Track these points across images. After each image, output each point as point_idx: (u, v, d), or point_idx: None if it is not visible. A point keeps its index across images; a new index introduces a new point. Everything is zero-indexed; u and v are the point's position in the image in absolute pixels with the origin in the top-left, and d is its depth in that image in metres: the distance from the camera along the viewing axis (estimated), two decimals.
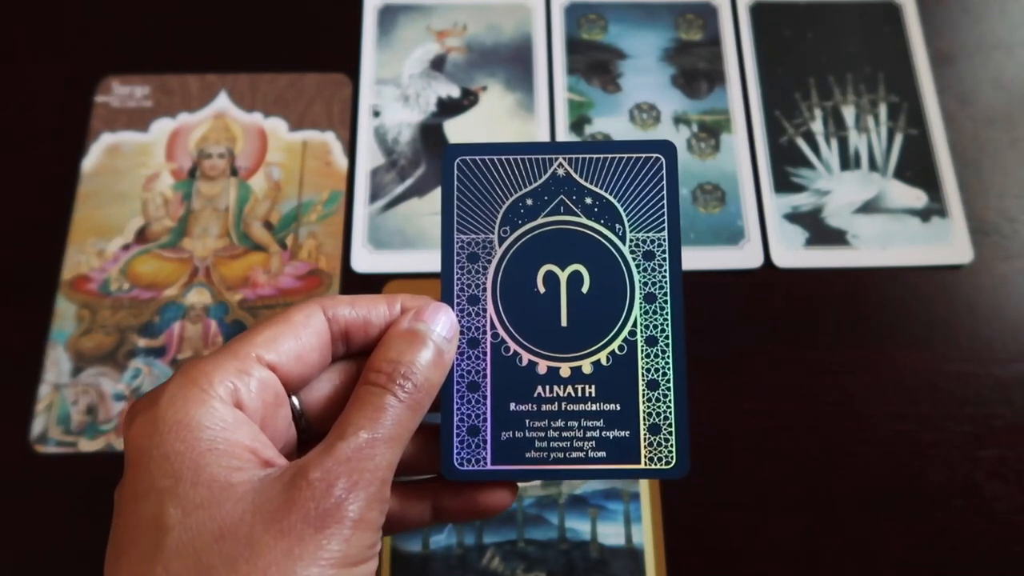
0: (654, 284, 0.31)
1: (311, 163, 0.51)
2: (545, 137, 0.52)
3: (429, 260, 0.48)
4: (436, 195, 0.50)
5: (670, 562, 0.42)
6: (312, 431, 0.30)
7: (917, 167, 0.51)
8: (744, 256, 0.49)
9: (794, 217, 0.50)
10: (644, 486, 0.43)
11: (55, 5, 0.55)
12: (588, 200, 0.31)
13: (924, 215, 0.50)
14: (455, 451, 0.30)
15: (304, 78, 0.53)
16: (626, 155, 0.31)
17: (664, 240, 0.31)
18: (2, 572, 0.42)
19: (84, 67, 0.53)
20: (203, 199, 0.50)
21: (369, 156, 0.51)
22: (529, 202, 0.31)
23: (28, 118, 0.52)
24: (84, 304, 0.47)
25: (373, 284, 0.48)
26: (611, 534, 0.42)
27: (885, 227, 0.49)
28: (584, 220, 0.31)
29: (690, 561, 0.42)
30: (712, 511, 0.43)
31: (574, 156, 0.31)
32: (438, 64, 0.54)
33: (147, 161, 0.51)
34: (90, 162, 0.51)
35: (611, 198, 0.31)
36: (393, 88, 0.53)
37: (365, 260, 0.48)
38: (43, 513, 0.43)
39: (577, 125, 0.52)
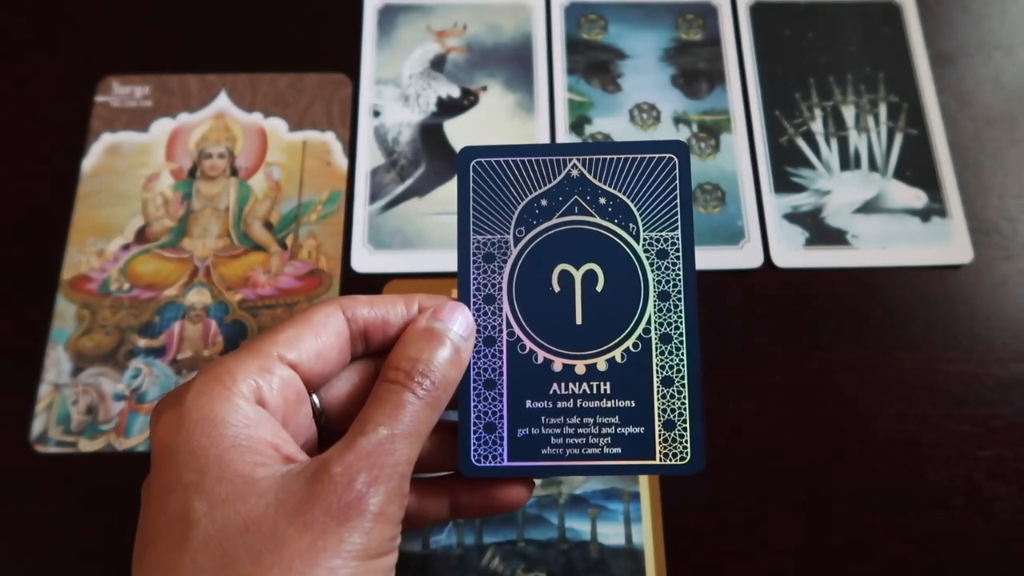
0: (668, 282, 0.31)
1: (311, 163, 0.51)
2: (545, 137, 0.52)
3: (429, 260, 0.48)
4: (436, 195, 0.50)
5: (670, 562, 0.42)
6: (332, 428, 0.30)
7: (917, 167, 0.51)
8: (744, 256, 0.49)
9: (794, 217, 0.50)
10: (644, 486, 0.43)
11: (55, 5, 0.55)
12: (602, 200, 0.31)
13: (924, 215, 0.50)
14: (472, 448, 0.31)
15: (304, 78, 0.53)
16: (639, 155, 0.32)
17: (677, 239, 0.31)
18: (2, 572, 0.42)
19: (84, 67, 0.53)
20: (203, 199, 0.50)
21: (369, 156, 0.51)
22: (544, 203, 0.31)
23: (28, 118, 0.52)
24: (84, 304, 0.47)
25: (373, 284, 0.48)
26: (611, 534, 0.42)
27: (885, 227, 0.49)
28: (598, 220, 0.31)
29: (690, 561, 0.42)
30: (712, 511, 0.43)
31: (588, 157, 0.32)
32: (438, 64, 0.54)
33: (147, 161, 0.51)
34: (90, 162, 0.51)
35: (625, 198, 0.31)
36: (393, 88, 0.53)
37: (365, 260, 0.48)
38: (43, 513, 0.43)
39: (577, 125, 0.52)
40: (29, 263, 0.48)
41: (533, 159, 0.32)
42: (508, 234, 0.31)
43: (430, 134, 0.52)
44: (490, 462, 0.30)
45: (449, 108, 0.53)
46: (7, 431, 0.44)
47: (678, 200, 0.31)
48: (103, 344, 0.46)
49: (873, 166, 0.51)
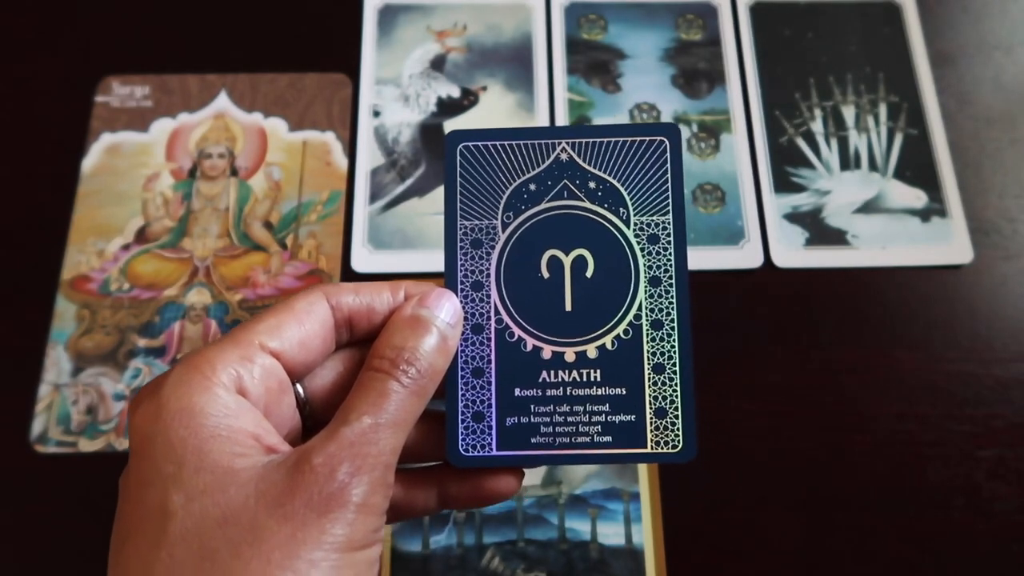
0: (659, 267, 0.30)
1: (311, 163, 0.51)
2: None
3: (429, 260, 0.48)
4: (436, 195, 0.50)
5: (670, 562, 0.42)
6: (316, 418, 0.30)
7: (917, 167, 0.51)
8: (744, 256, 0.49)
9: (794, 217, 0.50)
10: (644, 486, 0.43)
11: (55, 5, 0.55)
12: (592, 184, 0.31)
13: (924, 215, 0.50)
14: (460, 437, 0.30)
15: (304, 78, 0.53)
16: (630, 138, 0.31)
17: (669, 223, 0.31)
18: (2, 572, 0.42)
19: (84, 67, 0.53)
20: (203, 199, 0.50)
21: (369, 156, 0.51)
22: (532, 187, 0.31)
23: (28, 118, 0.52)
24: (84, 304, 0.47)
25: None
26: (611, 534, 0.42)
27: (885, 227, 0.49)
28: (588, 204, 0.31)
29: (690, 561, 0.42)
30: (712, 511, 0.43)
31: (577, 140, 0.31)
32: (438, 64, 0.54)
33: (147, 161, 0.51)
34: (90, 162, 0.51)
35: (615, 182, 0.31)
36: (393, 88, 0.53)
37: (365, 260, 0.48)
38: (43, 513, 0.43)
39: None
40: (29, 263, 0.48)
41: (521, 143, 0.31)
42: (496, 219, 0.31)
43: (430, 134, 0.52)
44: (479, 452, 0.30)
45: (449, 108, 0.53)
46: (7, 431, 0.44)
47: (669, 184, 0.31)
48: (103, 344, 0.46)
49: (873, 166, 0.51)
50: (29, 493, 0.44)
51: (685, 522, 0.43)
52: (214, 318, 0.47)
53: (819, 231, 0.49)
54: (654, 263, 0.30)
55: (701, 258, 0.48)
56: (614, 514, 0.43)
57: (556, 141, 0.31)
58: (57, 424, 0.45)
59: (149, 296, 0.48)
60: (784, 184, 0.51)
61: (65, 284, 0.48)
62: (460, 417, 0.30)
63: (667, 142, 0.31)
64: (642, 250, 0.30)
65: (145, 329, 0.47)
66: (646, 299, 0.30)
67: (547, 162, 0.31)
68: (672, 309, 0.30)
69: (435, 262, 0.48)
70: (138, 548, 0.25)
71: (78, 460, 0.44)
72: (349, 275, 0.48)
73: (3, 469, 0.44)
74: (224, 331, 0.47)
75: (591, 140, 0.31)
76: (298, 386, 0.29)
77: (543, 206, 0.31)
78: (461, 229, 0.31)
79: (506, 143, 0.31)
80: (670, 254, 0.30)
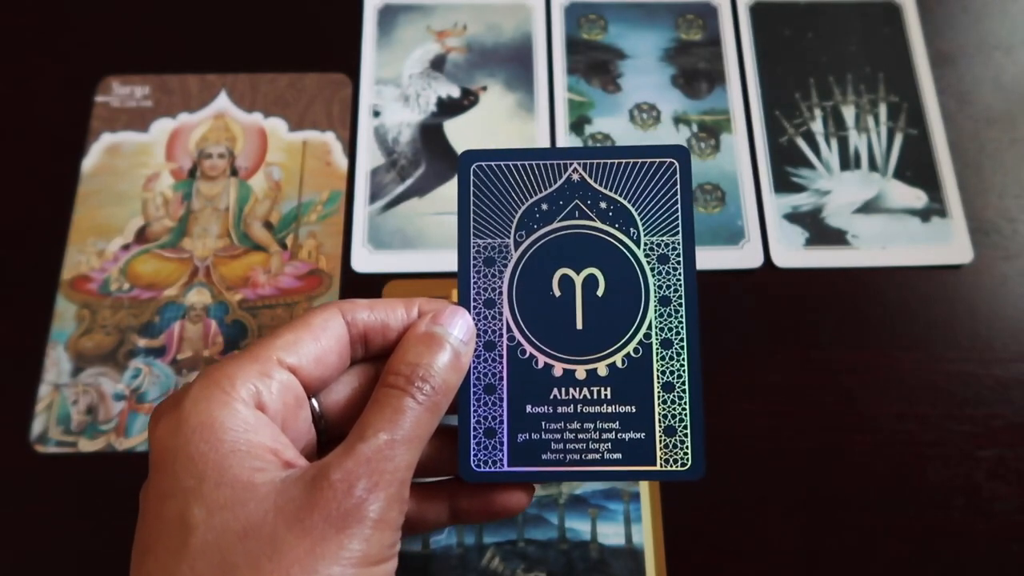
0: (668, 287, 0.31)
1: (311, 163, 0.51)
2: (545, 137, 0.52)
3: (429, 260, 0.48)
4: (436, 195, 0.50)
5: (670, 562, 0.42)
6: (332, 433, 0.30)
7: (917, 167, 0.51)
8: (744, 256, 0.49)
9: (794, 217, 0.50)
10: (644, 486, 0.43)
11: (55, 5, 0.55)
12: (603, 204, 0.31)
13: (924, 215, 0.50)
14: (472, 453, 0.30)
15: (304, 78, 0.53)
16: (640, 160, 0.31)
17: (678, 244, 0.31)
18: (2, 572, 0.42)
19: (84, 67, 0.53)
20: (203, 199, 0.50)
21: (369, 156, 0.51)
22: (544, 207, 0.31)
23: (28, 118, 0.52)
24: (84, 304, 0.47)
25: (373, 284, 0.48)
26: (611, 534, 0.42)
27: (885, 227, 0.49)
28: (599, 224, 0.31)
29: (690, 561, 0.42)
30: (712, 511, 0.43)
31: (589, 161, 0.31)
32: (438, 64, 0.54)
33: (147, 161, 0.51)
34: (90, 162, 0.51)
35: (625, 202, 0.31)
36: (393, 88, 0.53)
37: (365, 260, 0.48)
38: (43, 513, 0.43)
39: (577, 125, 0.52)
40: (29, 263, 0.48)
41: (534, 163, 0.31)
42: (509, 238, 0.31)
43: (430, 134, 0.52)
44: (490, 467, 0.30)
45: (449, 108, 0.53)
46: (7, 431, 0.44)
47: (679, 205, 0.31)
48: (103, 344, 0.46)
49: (873, 166, 0.51)
50: (29, 493, 0.44)
51: (685, 522, 0.43)
52: (214, 318, 0.47)
53: (819, 231, 0.49)
54: (664, 283, 0.31)
55: (701, 258, 0.48)
56: (614, 514, 0.43)
57: (568, 162, 0.31)
58: (57, 424, 0.45)
59: (149, 296, 0.48)
60: (784, 184, 0.51)
61: (65, 284, 0.48)
62: (472, 433, 0.31)
63: (676, 164, 0.31)
64: (652, 270, 0.31)
65: (145, 329, 0.47)
66: (656, 318, 0.31)
67: (559, 182, 0.31)
68: (681, 328, 0.31)
69: (435, 262, 0.48)
70: (159, 561, 0.25)
71: (78, 460, 0.44)
72: (349, 275, 0.48)
73: (3, 469, 0.44)
74: (224, 331, 0.47)
75: (602, 161, 0.31)
76: (314, 401, 0.30)
77: (555, 225, 0.31)
78: (474, 247, 0.31)
79: (519, 163, 0.31)
80: (680, 274, 0.31)
